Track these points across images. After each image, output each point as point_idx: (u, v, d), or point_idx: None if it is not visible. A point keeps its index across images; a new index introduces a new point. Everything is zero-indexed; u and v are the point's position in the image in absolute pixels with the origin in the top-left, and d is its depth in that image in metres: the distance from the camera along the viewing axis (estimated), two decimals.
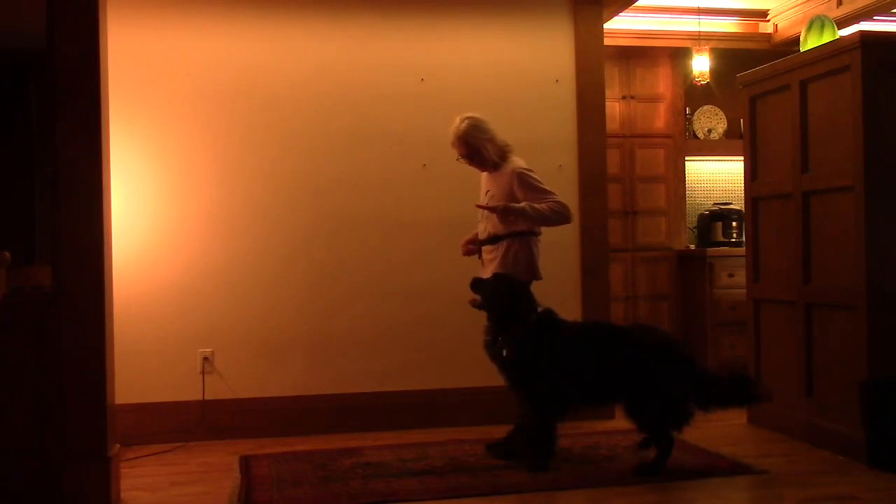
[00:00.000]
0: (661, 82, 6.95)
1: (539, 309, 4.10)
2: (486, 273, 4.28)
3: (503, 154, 4.30)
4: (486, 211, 4.29)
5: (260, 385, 4.94)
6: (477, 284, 4.15)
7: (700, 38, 6.59)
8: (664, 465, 3.96)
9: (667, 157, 6.95)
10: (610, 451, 4.37)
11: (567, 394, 4.02)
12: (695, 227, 7.07)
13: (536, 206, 4.15)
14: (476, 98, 5.16)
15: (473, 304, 4.15)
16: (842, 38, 4.43)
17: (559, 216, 4.19)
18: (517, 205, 4.16)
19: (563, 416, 4.07)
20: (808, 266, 4.53)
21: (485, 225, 4.33)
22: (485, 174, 4.40)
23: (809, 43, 4.75)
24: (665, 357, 3.99)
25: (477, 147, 4.25)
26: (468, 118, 4.28)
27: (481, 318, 5.10)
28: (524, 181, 4.21)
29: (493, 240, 4.28)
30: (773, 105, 4.88)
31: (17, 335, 3.53)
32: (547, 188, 4.23)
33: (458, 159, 4.37)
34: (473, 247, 4.43)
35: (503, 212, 4.16)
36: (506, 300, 4.06)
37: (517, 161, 4.30)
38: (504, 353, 4.06)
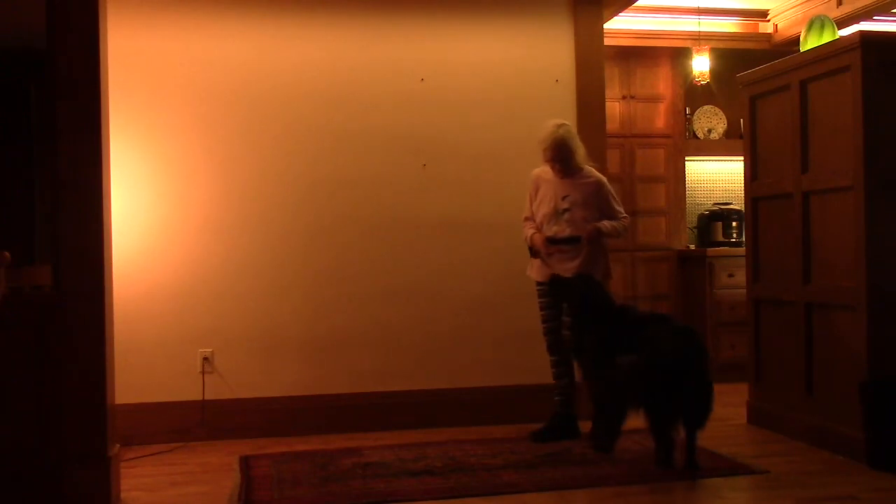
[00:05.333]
0: (661, 82, 6.95)
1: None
2: (563, 270, 4.50)
3: (583, 161, 4.60)
4: (563, 213, 4.54)
5: (260, 385, 4.94)
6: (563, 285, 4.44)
7: (700, 38, 6.60)
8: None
9: (667, 157, 6.95)
10: None
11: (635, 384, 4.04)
12: (695, 227, 7.07)
13: (616, 224, 4.58)
14: (476, 98, 5.18)
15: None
16: (842, 38, 4.43)
17: (622, 234, 4.71)
18: (605, 226, 4.54)
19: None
20: (808, 266, 4.53)
21: (562, 226, 4.54)
22: (554, 179, 4.60)
23: (809, 43, 4.75)
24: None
25: (574, 152, 4.53)
26: (564, 124, 4.56)
27: (481, 317, 5.13)
28: (608, 193, 4.61)
29: (571, 240, 4.53)
30: (773, 105, 4.88)
31: (17, 335, 3.53)
32: (619, 201, 4.69)
33: (548, 160, 4.55)
34: (551, 247, 4.58)
35: (596, 235, 4.53)
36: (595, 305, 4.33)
37: (595, 170, 4.64)
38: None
